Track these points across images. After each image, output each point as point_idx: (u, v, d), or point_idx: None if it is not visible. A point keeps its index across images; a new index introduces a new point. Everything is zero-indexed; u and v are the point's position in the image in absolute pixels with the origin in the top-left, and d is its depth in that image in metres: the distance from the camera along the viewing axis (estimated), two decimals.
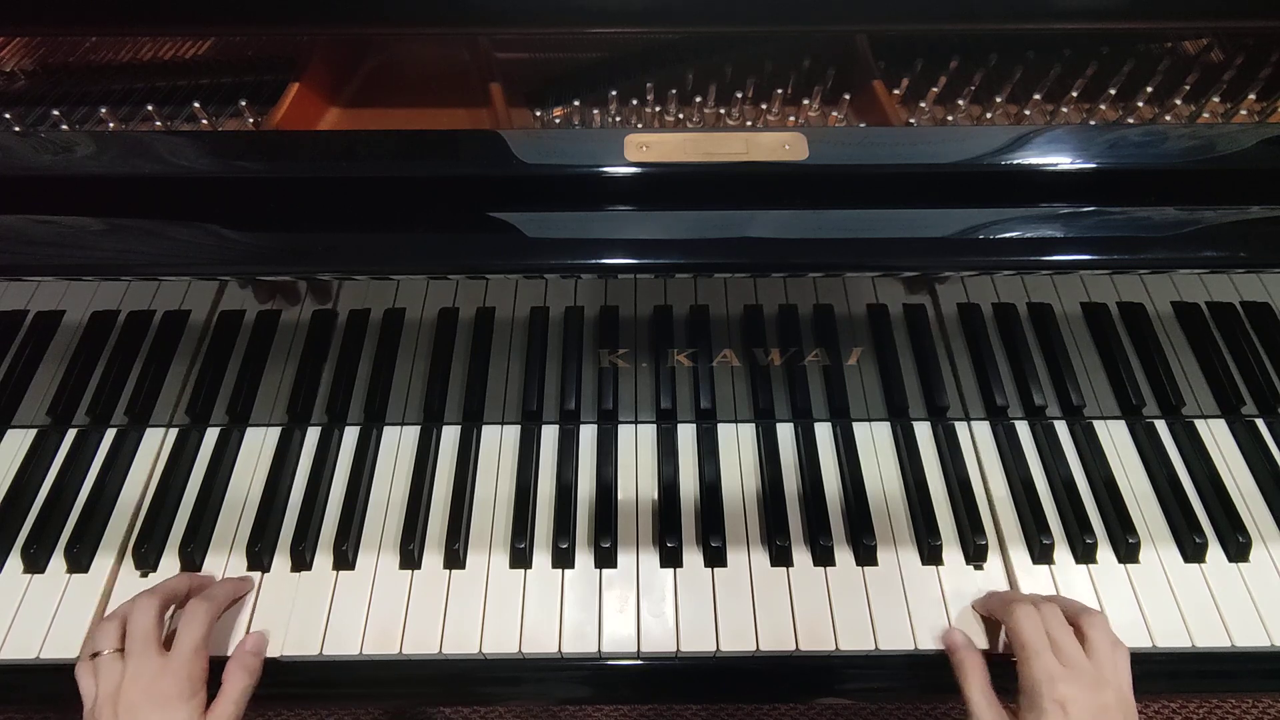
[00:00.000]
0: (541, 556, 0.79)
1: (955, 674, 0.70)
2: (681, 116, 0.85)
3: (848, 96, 0.83)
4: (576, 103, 0.85)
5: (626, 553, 0.79)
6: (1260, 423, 0.89)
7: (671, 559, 0.78)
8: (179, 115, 0.85)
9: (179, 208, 0.68)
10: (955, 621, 0.74)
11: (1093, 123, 0.84)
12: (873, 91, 0.82)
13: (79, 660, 0.67)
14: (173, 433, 0.88)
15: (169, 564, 0.79)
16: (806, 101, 0.86)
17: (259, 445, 0.87)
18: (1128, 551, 0.79)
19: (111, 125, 0.83)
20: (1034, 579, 0.78)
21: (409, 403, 0.86)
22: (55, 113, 0.84)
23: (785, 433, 0.88)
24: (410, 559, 0.78)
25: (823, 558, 0.78)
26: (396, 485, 0.84)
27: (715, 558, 0.78)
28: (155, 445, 0.87)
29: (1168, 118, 0.83)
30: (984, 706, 0.66)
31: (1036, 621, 0.67)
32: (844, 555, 0.79)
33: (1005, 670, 0.69)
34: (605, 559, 0.78)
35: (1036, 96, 0.84)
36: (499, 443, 0.87)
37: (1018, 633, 0.67)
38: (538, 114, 0.87)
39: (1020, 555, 0.79)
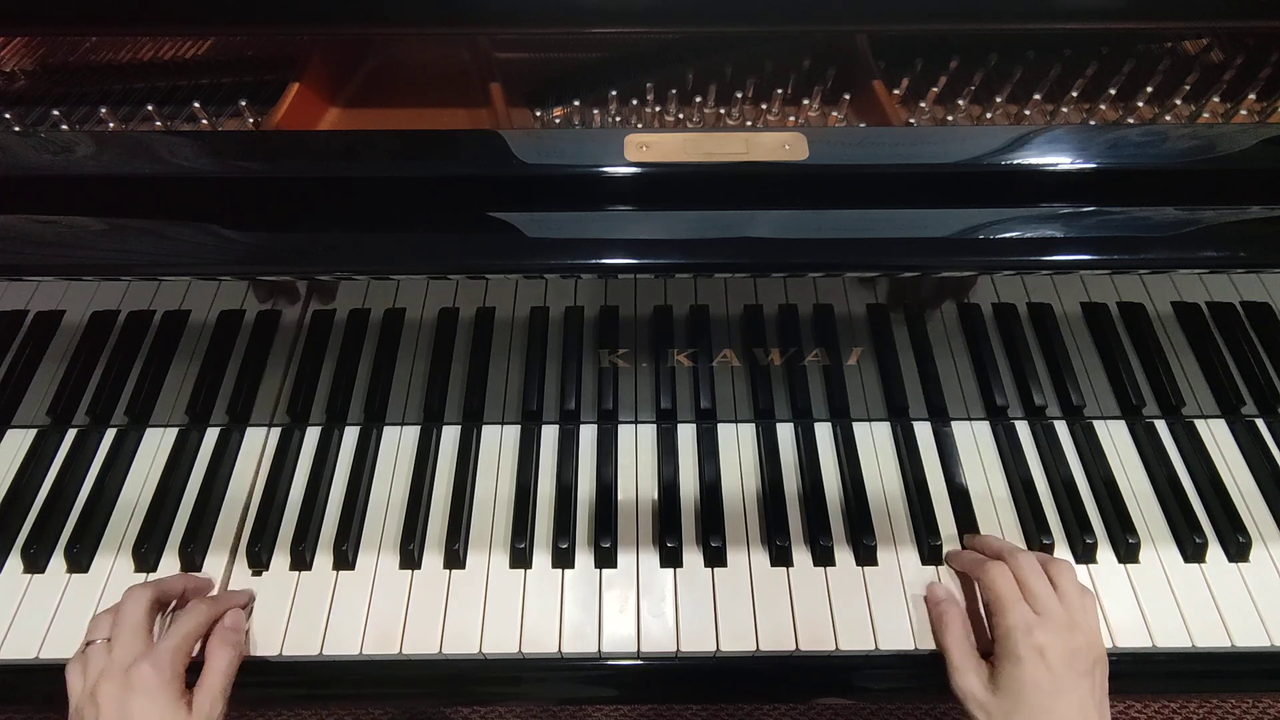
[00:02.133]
0: (541, 556, 0.79)
1: (934, 627, 0.72)
2: (681, 116, 0.85)
3: (848, 96, 0.83)
4: (576, 103, 0.85)
5: (626, 553, 0.79)
6: (1260, 423, 0.89)
7: (671, 559, 0.78)
8: (179, 115, 0.85)
9: (179, 208, 0.68)
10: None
11: (1093, 123, 0.84)
12: (873, 91, 0.82)
13: (73, 656, 0.68)
14: (173, 433, 0.88)
15: (169, 564, 0.79)
16: (806, 101, 0.86)
17: (259, 445, 0.87)
18: (1128, 551, 0.79)
19: (111, 125, 0.83)
20: None
21: (409, 403, 0.86)
22: (55, 113, 0.84)
23: (785, 433, 0.88)
24: (410, 559, 0.78)
25: (823, 558, 0.78)
26: (396, 485, 0.84)
27: (715, 558, 0.78)
28: (155, 445, 0.87)
29: (1168, 118, 0.83)
30: (963, 655, 0.68)
31: (1009, 576, 0.69)
32: (844, 555, 0.79)
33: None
34: (605, 559, 0.78)
35: (1036, 96, 0.84)
36: (499, 443, 0.87)
37: (992, 587, 0.69)
38: (538, 114, 0.87)
39: None
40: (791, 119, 0.86)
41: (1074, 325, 0.79)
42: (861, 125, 0.83)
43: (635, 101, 0.84)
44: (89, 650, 0.67)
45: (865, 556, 0.78)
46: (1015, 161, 0.67)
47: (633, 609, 0.75)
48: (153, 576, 0.78)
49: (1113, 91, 0.83)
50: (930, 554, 0.79)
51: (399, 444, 0.87)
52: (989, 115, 0.84)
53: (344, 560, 0.78)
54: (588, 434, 0.87)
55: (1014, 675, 0.64)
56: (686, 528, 0.81)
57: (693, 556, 0.79)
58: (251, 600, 0.76)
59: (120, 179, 0.67)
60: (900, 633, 0.74)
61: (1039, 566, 0.70)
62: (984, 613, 0.72)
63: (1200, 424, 0.88)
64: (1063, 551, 0.80)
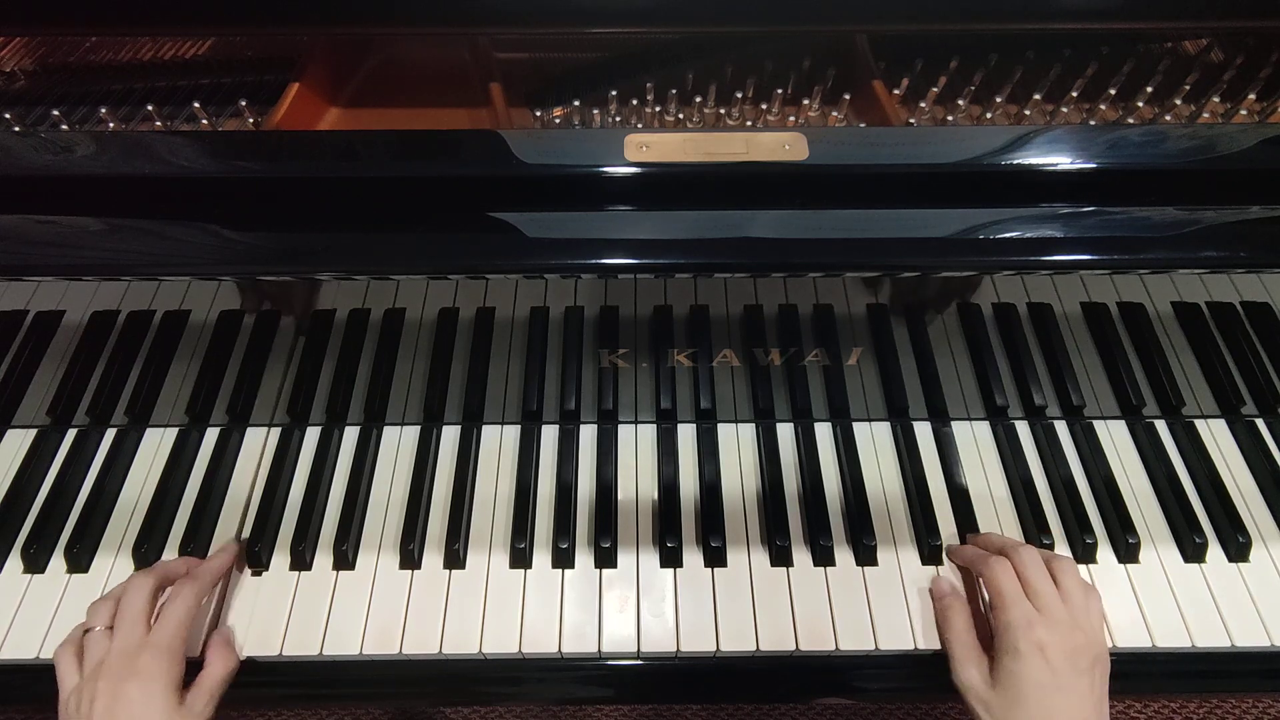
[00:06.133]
0: (541, 556, 0.79)
1: (938, 620, 0.73)
2: (681, 116, 0.85)
3: (848, 96, 0.83)
4: (576, 103, 0.85)
5: (626, 553, 0.79)
6: (1260, 423, 0.89)
7: (671, 559, 0.78)
8: (179, 115, 0.85)
9: (179, 208, 0.68)
10: None
11: (1093, 123, 0.84)
12: (873, 91, 0.82)
13: (63, 642, 0.68)
14: (173, 433, 0.88)
15: None
16: (806, 101, 0.86)
17: (259, 445, 0.87)
18: (1128, 551, 0.79)
19: (111, 125, 0.83)
20: None
21: (409, 403, 0.86)
22: (55, 113, 0.84)
23: (785, 433, 0.88)
24: (410, 559, 0.78)
25: (823, 558, 0.78)
26: (396, 485, 0.84)
27: (715, 558, 0.78)
28: (155, 445, 0.87)
29: (1168, 118, 0.83)
30: (964, 648, 0.69)
31: (1010, 571, 0.70)
32: (844, 555, 0.79)
33: None
34: (605, 559, 0.78)
35: (1036, 96, 0.84)
36: (499, 443, 0.87)
37: (994, 582, 0.70)
38: (538, 114, 0.87)
39: None
40: (791, 119, 0.86)
41: (1074, 325, 0.79)
42: (861, 125, 0.83)
43: (635, 101, 0.84)
44: (88, 637, 0.67)
45: (865, 556, 0.78)
46: (1015, 161, 0.67)
47: (633, 609, 0.75)
48: None
49: (1113, 91, 0.83)
50: (930, 554, 0.79)
51: (399, 444, 0.87)
52: (989, 115, 0.84)
53: (344, 560, 0.78)
54: (588, 434, 0.87)
55: (1013, 670, 0.64)
56: (686, 528, 0.81)
57: (693, 556, 0.79)
58: (233, 554, 0.77)
59: (120, 179, 0.67)
60: (900, 633, 0.74)
61: (1042, 563, 0.70)
62: (986, 608, 0.72)
63: (1200, 424, 0.88)
64: (1062, 551, 0.80)
